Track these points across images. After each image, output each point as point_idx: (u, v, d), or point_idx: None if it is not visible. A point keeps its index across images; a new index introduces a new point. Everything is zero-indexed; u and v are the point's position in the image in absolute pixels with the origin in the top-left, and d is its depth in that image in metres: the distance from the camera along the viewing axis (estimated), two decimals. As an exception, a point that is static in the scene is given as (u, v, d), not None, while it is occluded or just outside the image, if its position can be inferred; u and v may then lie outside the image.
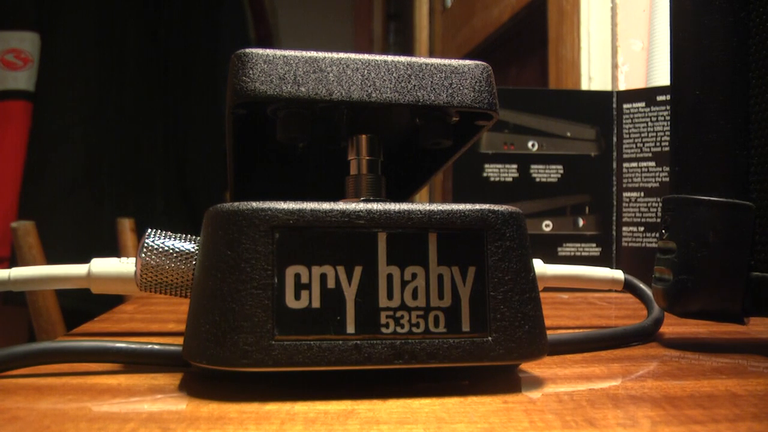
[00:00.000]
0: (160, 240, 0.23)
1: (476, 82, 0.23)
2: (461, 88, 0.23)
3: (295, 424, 0.17)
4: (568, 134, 0.55)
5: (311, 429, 0.17)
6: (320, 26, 2.32)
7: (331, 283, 0.19)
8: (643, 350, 0.28)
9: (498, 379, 0.22)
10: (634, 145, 0.54)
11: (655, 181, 0.53)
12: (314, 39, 2.25)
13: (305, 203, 0.20)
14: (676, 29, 0.28)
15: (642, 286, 0.34)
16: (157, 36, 1.40)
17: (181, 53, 1.41)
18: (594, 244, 0.55)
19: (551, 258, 0.54)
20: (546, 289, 0.33)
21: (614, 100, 0.55)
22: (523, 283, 0.21)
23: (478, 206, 0.21)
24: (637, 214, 0.54)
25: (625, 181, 0.54)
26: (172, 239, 0.23)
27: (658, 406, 0.19)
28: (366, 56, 0.22)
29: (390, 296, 0.20)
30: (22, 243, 0.84)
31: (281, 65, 0.21)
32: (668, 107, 0.52)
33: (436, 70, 0.23)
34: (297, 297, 0.19)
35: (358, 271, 0.20)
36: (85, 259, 0.28)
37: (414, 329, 0.20)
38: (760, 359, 0.26)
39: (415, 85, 0.22)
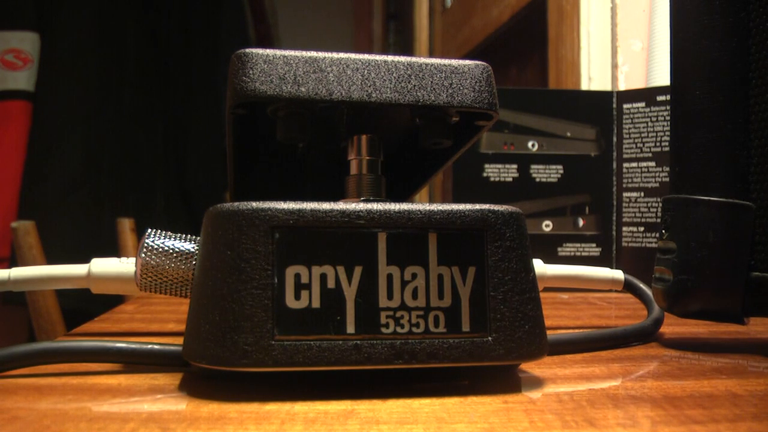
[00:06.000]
0: (160, 240, 0.23)
1: (476, 82, 0.23)
2: (461, 88, 0.23)
3: (295, 424, 0.17)
4: (568, 134, 0.55)
5: (311, 429, 0.17)
6: (320, 26, 2.32)
7: (331, 283, 0.19)
8: (643, 350, 0.28)
9: (498, 379, 0.22)
10: (634, 145, 0.54)
11: (655, 181, 0.53)
12: (314, 39, 2.25)
13: (305, 203, 0.20)
14: (676, 29, 0.28)
15: (642, 286, 0.34)
16: (157, 36, 1.40)
17: (181, 53, 1.41)
18: (594, 244, 0.55)
19: (551, 258, 0.54)
20: (546, 289, 0.33)
21: (614, 100, 0.55)
22: (523, 283, 0.21)
23: (478, 206, 0.21)
24: (637, 214, 0.54)
25: (625, 181, 0.54)
26: (172, 239, 0.23)
27: (658, 406, 0.19)
28: (366, 56, 0.22)
29: (390, 296, 0.20)
30: (22, 243, 0.84)
31: (281, 65, 0.21)
32: (668, 107, 0.52)
33: (436, 70, 0.23)
34: (297, 297, 0.19)
35: (358, 271, 0.20)
36: (85, 259, 0.28)
37: (414, 329, 0.20)
38: (760, 359, 0.26)
39: (415, 85, 0.22)
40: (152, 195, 1.37)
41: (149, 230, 0.24)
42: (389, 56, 0.23)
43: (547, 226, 0.55)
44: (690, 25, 0.27)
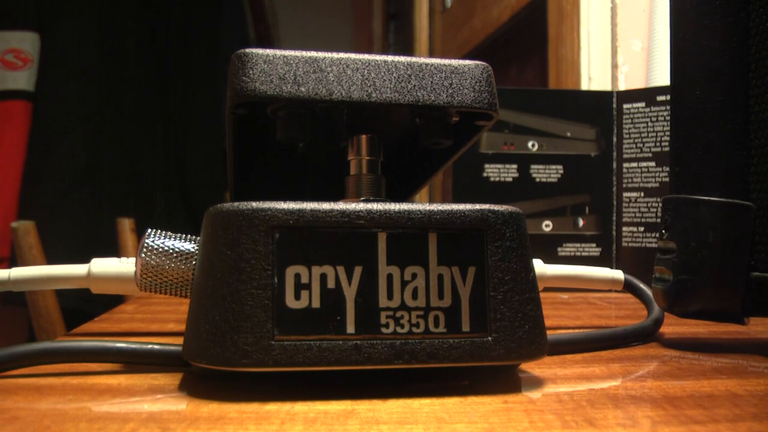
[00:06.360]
0: (160, 240, 0.23)
1: (476, 82, 0.23)
2: (461, 88, 0.23)
3: (295, 424, 0.17)
4: (568, 134, 0.55)
5: (311, 429, 0.17)
6: (320, 26, 2.32)
7: (331, 283, 0.19)
8: (643, 350, 0.28)
9: (498, 379, 0.22)
10: (634, 145, 0.54)
11: (655, 181, 0.53)
12: (314, 39, 2.25)
13: (305, 203, 0.20)
14: (676, 29, 0.28)
15: (642, 286, 0.34)
16: (156, 36, 1.40)
17: (181, 53, 1.41)
18: (594, 244, 0.55)
19: (551, 258, 0.54)
20: (546, 289, 0.33)
21: (614, 100, 0.55)
22: (523, 283, 0.21)
23: (478, 206, 0.21)
24: (637, 214, 0.54)
25: (625, 181, 0.54)
26: (172, 239, 0.23)
27: (658, 406, 0.19)
28: (366, 56, 0.22)
29: (390, 296, 0.20)
30: (22, 243, 0.84)
31: (281, 65, 0.21)
32: (668, 107, 0.52)
33: (436, 70, 0.23)
34: (297, 297, 0.19)
35: (358, 271, 0.20)
36: (85, 259, 0.28)
37: (414, 329, 0.20)
38: (760, 359, 0.26)
39: (415, 85, 0.22)
40: (152, 195, 1.37)
41: (149, 230, 0.24)
42: (389, 56, 0.23)
43: (547, 226, 0.55)
44: (690, 25, 0.27)
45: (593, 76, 0.81)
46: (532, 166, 0.55)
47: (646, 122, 0.54)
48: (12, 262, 1.16)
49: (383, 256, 0.20)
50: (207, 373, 0.21)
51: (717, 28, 0.26)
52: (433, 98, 0.22)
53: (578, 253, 0.55)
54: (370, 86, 0.22)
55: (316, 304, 0.19)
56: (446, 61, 0.23)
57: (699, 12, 0.27)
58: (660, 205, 0.50)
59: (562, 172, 0.55)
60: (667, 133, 0.53)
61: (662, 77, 0.71)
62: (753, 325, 0.35)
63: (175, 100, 1.40)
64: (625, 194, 0.54)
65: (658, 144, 0.53)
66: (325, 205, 0.20)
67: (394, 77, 0.22)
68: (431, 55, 1.59)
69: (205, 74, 1.41)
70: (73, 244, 1.23)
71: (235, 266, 0.19)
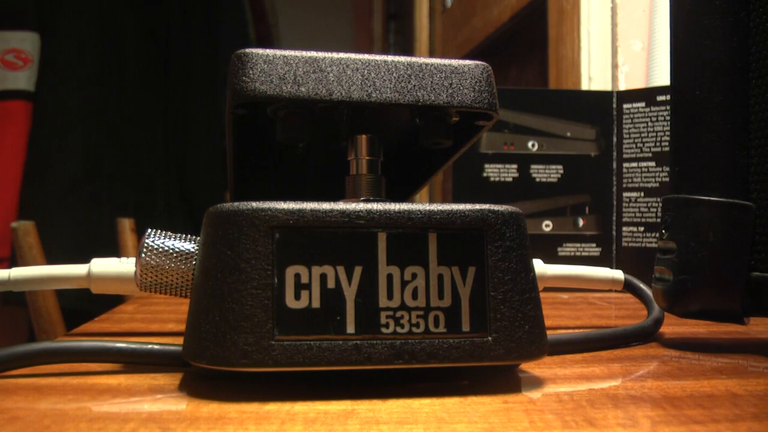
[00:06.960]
0: (160, 240, 0.23)
1: (476, 82, 0.23)
2: (461, 88, 0.23)
3: (295, 424, 0.17)
4: (568, 134, 0.55)
5: (311, 429, 0.17)
6: (320, 26, 2.32)
7: (331, 283, 0.19)
8: (643, 350, 0.28)
9: (498, 379, 0.22)
10: (634, 145, 0.54)
11: (655, 181, 0.53)
12: (314, 39, 2.25)
13: (305, 203, 0.20)
14: (676, 29, 0.28)
15: (642, 286, 0.34)
16: (156, 36, 1.40)
17: (181, 53, 1.41)
18: (594, 244, 0.55)
19: (551, 258, 0.54)
20: (546, 289, 0.33)
21: (614, 100, 0.55)
22: (523, 283, 0.21)
23: (478, 206, 0.21)
24: (637, 214, 0.54)
25: (625, 181, 0.54)
26: (172, 239, 0.23)
27: (658, 406, 0.19)
28: (366, 56, 0.22)
29: (390, 296, 0.20)
30: (22, 243, 0.84)
31: (281, 65, 0.21)
32: (668, 107, 0.52)
33: (436, 70, 0.23)
34: (297, 297, 0.19)
35: (358, 271, 0.20)
36: (85, 259, 0.28)
37: (414, 329, 0.20)
38: (760, 359, 0.26)
39: (415, 85, 0.22)
40: (152, 195, 1.37)
41: (149, 230, 0.24)
42: (389, 56, 0.23)
43: (547, 226, 0.55)
44: (690, 25, 0.27)
45: (593, 76, 0.81)
46: (532, 166, 0.55)
47: (646, 122, 0.54)
48: (12, 262, 1.16)
49: (383, 256, 0.20)
50: (207, 373, 0.21)
51: (717, 28, 0.26)
52: (433, 98, 0.22)
53: (578, 253, 0.55)
54: (370, 86, 0.22)
55: (316, 304, 0.19)
56: (446, 61, 0.23)
57: (699, 12, 0.27)
58: (660, 205, 0.50)
59: (562, 172, 0.55)
60: (667, 133, 0.53)
61: (662, 77, 0.71)
62: (753, 325, 0.35)
63: (175, 100, 1.40)
64: (625, 194, 0.54)
65: (658, 144, 0.53)
66: (325, 205, 0.20)
67: (394, 77, 0.22)
68: (431, 55, 1.59)
69: (205, 74, 1.41)
70: (73, 244, 1.23)
71: (235, 266, 0.19)
